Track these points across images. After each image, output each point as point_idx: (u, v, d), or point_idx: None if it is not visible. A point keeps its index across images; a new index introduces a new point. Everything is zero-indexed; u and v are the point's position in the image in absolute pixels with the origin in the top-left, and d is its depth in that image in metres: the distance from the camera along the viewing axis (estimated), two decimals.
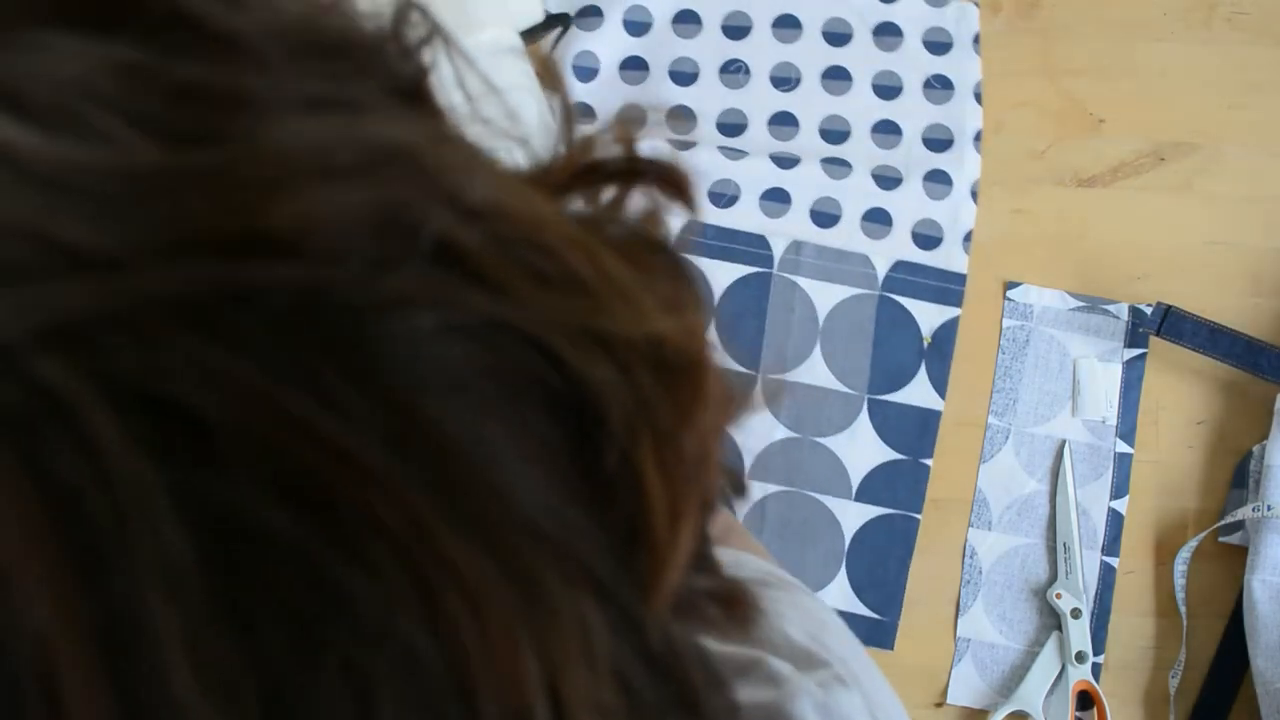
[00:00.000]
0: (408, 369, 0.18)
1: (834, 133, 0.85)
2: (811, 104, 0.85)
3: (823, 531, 0.79)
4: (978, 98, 0.85)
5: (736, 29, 0.86)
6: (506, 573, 0.18)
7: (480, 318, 0.19)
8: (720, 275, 0.81)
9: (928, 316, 0.81)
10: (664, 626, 0.21)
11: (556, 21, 0.83)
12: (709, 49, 0.86)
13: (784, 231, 0.82)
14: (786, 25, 0.86)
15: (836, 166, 0.83)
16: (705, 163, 0.82)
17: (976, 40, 0.86)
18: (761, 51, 0.86)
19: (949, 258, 0.82)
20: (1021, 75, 0.87)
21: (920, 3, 0.86)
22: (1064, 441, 0.80)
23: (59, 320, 0.16)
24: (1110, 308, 0.82)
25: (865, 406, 0.80)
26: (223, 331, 0.17)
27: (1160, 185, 0.85)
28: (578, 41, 0.85)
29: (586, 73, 0.85)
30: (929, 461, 0.80)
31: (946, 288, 0.82)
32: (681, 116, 0.84)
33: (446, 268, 0.19)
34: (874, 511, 0.79)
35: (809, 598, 0.42)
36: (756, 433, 0.80)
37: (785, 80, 0.85)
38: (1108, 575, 0.78)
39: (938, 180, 0.83)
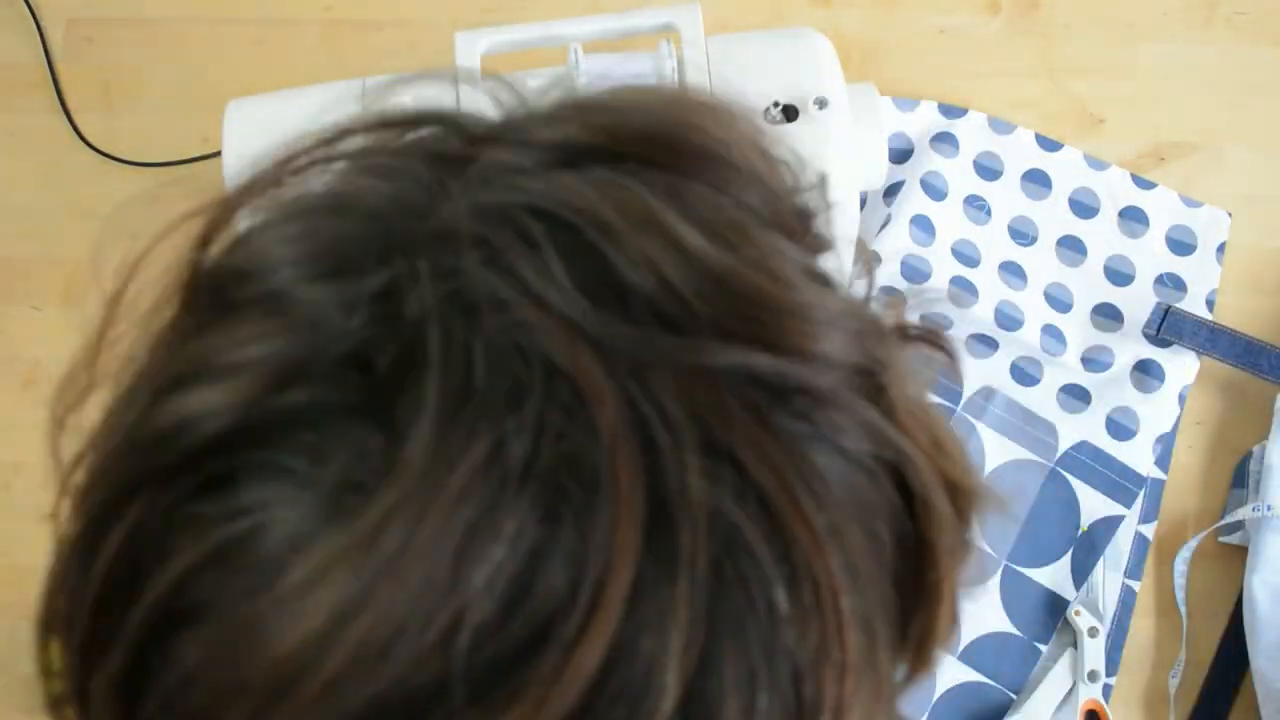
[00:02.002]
0: (820, 462, 0.25)
1: (1058, 301, 0.82)
2: (1041, 266, 0.83)
3: None
4: (1209, 305, 0.82)
5: (988, 169, 0.84)
6: (860, 624, 0.25)
7: (880, 460, 0.26)
8: None
9: (1092, 506, 0.77)
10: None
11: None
12: (957, 174, 0.84)
13: (981, 374, 0.79)
14: (1036, 181, 0.84)
15: (1050, 338, 0.81)
16: (936, 285, 0.80)
17: (1221, 249, 0.83)
18: (1006, 197, 0.84)
19: (1134, 455, 0.78)
20: (1021, 75, 0.87)
21: (1175, 197, 0.84)
22: None
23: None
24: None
25: (1000, 572, 0.76)
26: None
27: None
28: None
29: None
30: (1044, 647, 0.76)
31: (1123, 484, 0.77)
32: (922, 228, 0.82)
33: (880, 411, 0.26)
34: (971, 676, 0.75)
35: None
36: None
37: (1022, 235, 0.83)
38: (1128, 598, 0.77)
39: (1148, 373, 0.79)
